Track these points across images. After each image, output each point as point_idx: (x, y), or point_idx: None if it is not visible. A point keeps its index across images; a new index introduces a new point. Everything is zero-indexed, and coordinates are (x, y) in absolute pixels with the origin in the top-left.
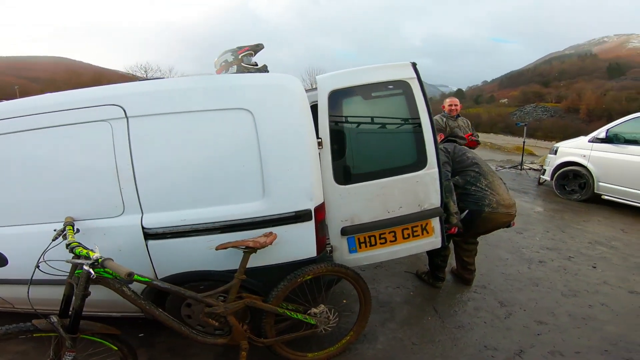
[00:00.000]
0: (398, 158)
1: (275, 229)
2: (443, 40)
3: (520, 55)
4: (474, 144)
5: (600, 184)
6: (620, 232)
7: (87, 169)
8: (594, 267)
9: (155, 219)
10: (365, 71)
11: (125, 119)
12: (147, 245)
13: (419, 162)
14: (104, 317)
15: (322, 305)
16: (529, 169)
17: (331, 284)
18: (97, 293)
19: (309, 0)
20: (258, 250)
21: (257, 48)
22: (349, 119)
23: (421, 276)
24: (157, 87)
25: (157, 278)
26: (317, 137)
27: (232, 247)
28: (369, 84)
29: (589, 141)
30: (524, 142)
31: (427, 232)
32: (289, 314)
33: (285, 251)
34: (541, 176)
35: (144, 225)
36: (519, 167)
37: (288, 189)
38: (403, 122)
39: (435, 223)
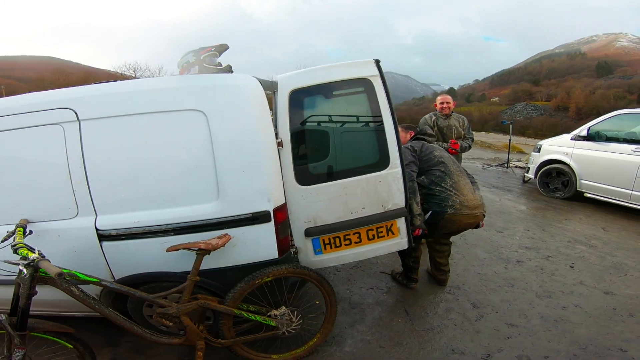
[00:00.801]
0: (360, 158)
1: (231, 231)
2: (435, 38)
3: (511, 54)
4: (453, 152)
5: (583, 181)
6: (600, 230)
7: (41, 172)
8: (572, 267)
9: (109, 221)
10: (327, 69)
11: (77, 122)
12: (101, 247)
13: (381, 162)
14: (68, 317)
15: (284, 307)
16: (515, 167)
17: (294, 286)
18: (56, 293)
19: (301, 0)
20: (216, 252)
21: (221, 48)
22: (310, 119)
23: (395, 277)
24: (109, 90)
25: (114, 279)
26: (277, 138)
27: (183, 249)
28: (330, 83)
29: (572, 139)
30: (509, 140)
31: (393, 233)
32: (246, 315)
33: (244, 253)
34: (525, 174)
35: (98, 227)
36: (505, 165)
37: (243, 190)
38: (365, 121)
39: (401, 224)
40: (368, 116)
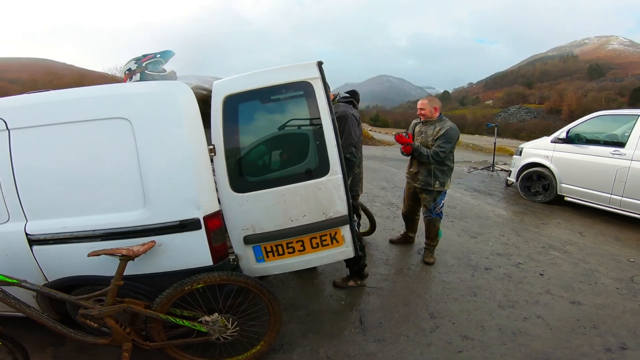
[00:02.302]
0: (299, 164)
1: (159, 238)
2: (428, 40)
3: (504, 56)
4: (407, 149)
5: (563, 185)
6: (577, 235)
7: None
8: (541, 275)
9: (39, 226)
10: (264, 74)
11: (7, 131)
12: (32, 251)
13: (321, 169)
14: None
15: (216, 314)
16: (501, 171)
17: (230, 294)
18: None
19: (294, 1)
20: (148, 258)
21: (167, 55)
22: (245, 125)
23: (344, 284)
24: (38, 100)
25: (47, 281)
26: (210, 144)
27: (105, 254)
28: (267, 87)
29: (552, 141)
30: (494, 142)
31: (338, 242)
32: (173, 320)
33: (176, 259)
34: (507, 178)
35: (28, 232)
36: (491, 168)
37: (170, 198)
38: (303, 125)
39: (345, 232)
40: (307, 121)
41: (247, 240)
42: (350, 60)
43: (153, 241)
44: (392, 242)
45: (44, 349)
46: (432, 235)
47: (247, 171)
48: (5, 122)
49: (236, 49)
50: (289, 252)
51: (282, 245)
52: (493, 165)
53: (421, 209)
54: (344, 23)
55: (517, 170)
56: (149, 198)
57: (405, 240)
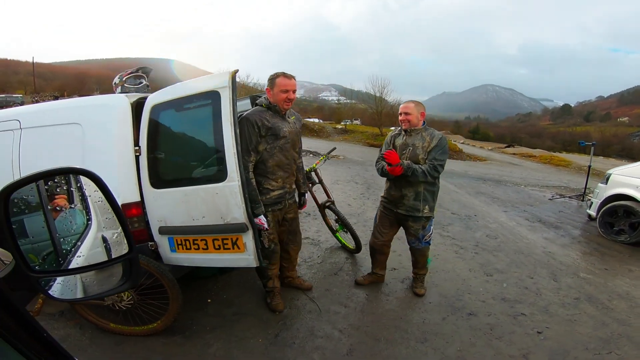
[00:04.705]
0: (200, 168)
1: None
2: (544, 48)
3: None
4: (396, 171)
5: None
6: None
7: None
8: (539, 333)
9: None
10: (184, 84)
11: (20, 130)
12: None
13: (219, 174)
14: None
15: None
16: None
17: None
18: None
19: (379, 7)
20: None
21: (145, 70)
22: (163, 131)
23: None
24: (38, 108)
25: None
26: (137, 146)
27: None
28: (183, 97)
29: None
30: (589, 166)
31: (238, 248)
32: None
33: None
34: (587, 210)
35: None
36: (582, 197)
37: None
38: (207, 133)
39: (247, 240)
40: (209, 129)
41: (161, 231)
42: (447, 69)
43: None
44: (357, 283)
45: None
46: (421, 264)
47: (161, 170)
48: (20, 122)
49: (325, 55)
50: (194, 248)
51: (189, 241)
52: (584, 193)
53: (409, 238)
54: (438, 30)
55: (600, 202)
56: None
57: (375, 281)
